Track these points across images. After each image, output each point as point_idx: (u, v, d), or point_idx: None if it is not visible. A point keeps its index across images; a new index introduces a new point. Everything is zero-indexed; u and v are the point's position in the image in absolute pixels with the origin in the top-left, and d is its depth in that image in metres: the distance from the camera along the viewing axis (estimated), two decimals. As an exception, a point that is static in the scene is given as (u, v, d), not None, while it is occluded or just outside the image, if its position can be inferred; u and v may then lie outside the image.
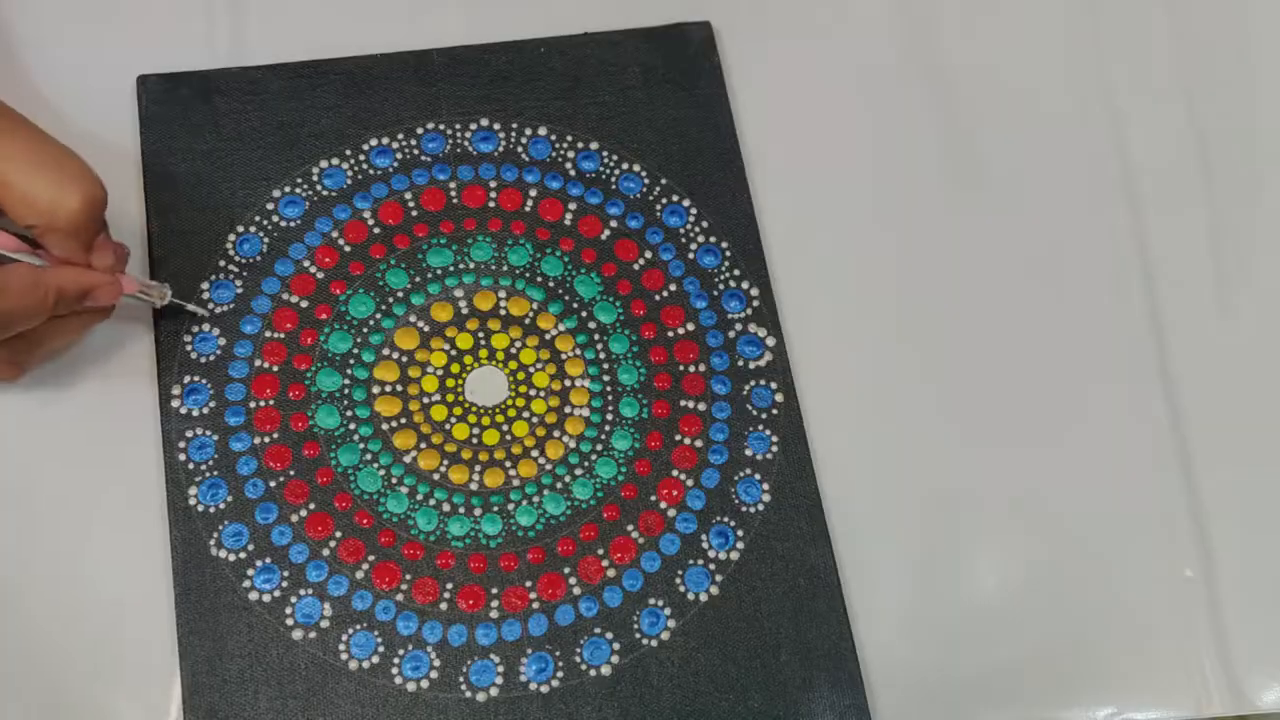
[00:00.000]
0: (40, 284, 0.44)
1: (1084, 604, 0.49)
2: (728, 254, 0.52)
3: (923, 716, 0.47)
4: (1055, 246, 0.54)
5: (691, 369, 0.51)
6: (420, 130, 0.54)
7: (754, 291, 0.52)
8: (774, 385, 0.51)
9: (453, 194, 0.53)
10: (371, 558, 0.47)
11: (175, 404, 0.49)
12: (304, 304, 0.51)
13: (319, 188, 0.53)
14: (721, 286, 0.52)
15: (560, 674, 0.46)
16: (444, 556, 0.48)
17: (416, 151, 0.53)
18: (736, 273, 0.52)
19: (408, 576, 0.47)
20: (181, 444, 0.49)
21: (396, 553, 0.48)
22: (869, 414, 0.51)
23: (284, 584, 0.47)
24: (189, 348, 0.50)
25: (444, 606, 0.47)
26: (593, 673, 0.46)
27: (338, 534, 0.48)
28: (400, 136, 0.54)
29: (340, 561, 0.47)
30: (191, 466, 0.48)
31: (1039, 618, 0.49)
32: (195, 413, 0.49)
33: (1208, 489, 0.51)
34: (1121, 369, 0.52)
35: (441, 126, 0.54)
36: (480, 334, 0.51)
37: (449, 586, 0.47)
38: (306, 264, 0.52)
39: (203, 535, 0.48)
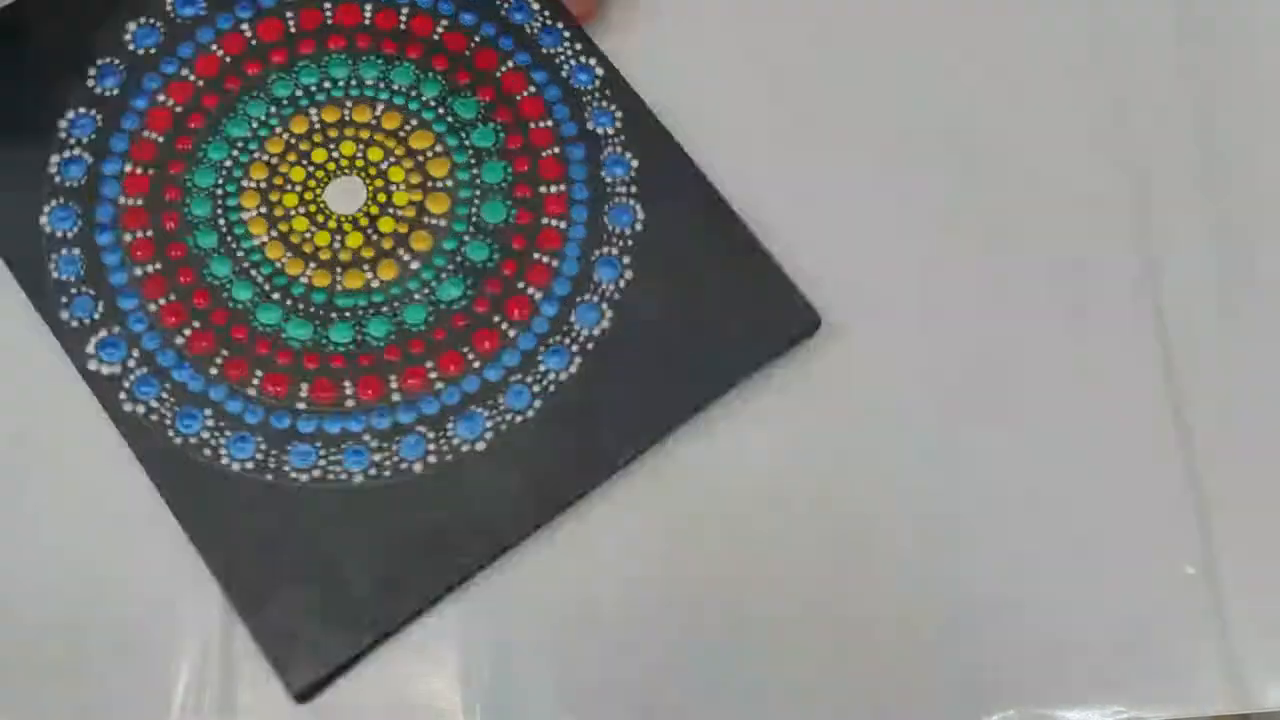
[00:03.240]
0: None
1: (1084, 601, 0.49)
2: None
3: (920, 712, 0.48)
4: (1059, 244, 0.54)
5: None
6: None
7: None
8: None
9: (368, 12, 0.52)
10: (303, 383, 0.46)
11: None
12: (228, 59, 0.50)
13: None
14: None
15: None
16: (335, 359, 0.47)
17: None
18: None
19: (346, 384, 0.46)
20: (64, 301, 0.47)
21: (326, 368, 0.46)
22: (884, 413, 0.51)
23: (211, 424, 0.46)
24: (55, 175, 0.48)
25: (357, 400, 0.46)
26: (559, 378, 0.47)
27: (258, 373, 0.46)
28: None
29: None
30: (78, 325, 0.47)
31: (1039, 615, 0.48)
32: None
33: (1210, 485, 0.50)
34: (1123, 363, 0.52)
35: None
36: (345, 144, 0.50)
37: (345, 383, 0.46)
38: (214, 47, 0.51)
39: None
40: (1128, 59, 0.57)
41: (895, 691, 0.47)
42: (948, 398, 0.51)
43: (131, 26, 0.51)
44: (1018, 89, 0.57)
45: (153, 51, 0.51)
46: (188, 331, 0.47)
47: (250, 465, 0.45)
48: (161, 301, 0.47)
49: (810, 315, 0.49)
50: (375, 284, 0.48)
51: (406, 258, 0.49)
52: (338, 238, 0.49)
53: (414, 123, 0.50)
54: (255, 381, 0.47)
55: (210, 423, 0.46)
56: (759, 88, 0.54)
